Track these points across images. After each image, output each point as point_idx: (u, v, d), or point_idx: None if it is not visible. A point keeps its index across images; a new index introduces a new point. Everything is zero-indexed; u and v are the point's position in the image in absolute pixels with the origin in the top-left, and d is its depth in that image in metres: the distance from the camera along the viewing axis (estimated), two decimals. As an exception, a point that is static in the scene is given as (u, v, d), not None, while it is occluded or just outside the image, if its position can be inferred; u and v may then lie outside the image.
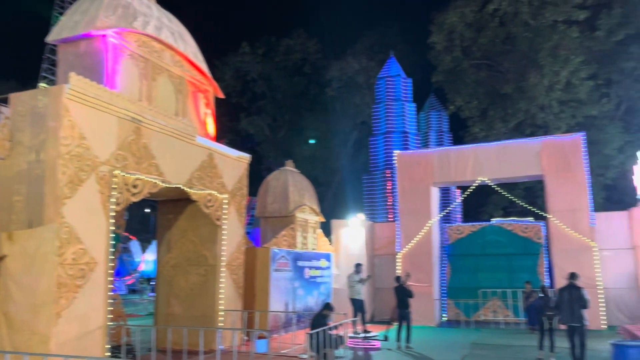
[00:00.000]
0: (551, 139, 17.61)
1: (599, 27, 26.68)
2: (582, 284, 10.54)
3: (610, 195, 27.03)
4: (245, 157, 13.32)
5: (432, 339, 14.41)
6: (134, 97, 10.07)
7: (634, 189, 19.26)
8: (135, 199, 9.72)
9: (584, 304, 9.83)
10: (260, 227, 17.22)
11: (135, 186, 9.66)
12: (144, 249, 37.36)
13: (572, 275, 10.30)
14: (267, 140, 37.62)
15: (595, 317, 15.01)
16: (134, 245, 37.17)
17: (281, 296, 14.63)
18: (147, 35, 10.58)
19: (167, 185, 10.48)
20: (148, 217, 43.92)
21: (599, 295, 15.58)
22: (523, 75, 26.67)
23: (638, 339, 9.06)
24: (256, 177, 23.10)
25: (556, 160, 16.85)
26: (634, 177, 19.34)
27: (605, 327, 15.29)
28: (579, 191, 16.46)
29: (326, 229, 19.19)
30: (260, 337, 11.82)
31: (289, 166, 17.41)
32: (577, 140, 16.91)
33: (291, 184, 16.64)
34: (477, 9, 28.24)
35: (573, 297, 9.94)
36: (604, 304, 15.70)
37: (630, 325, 12.06)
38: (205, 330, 10.24)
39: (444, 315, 18.35)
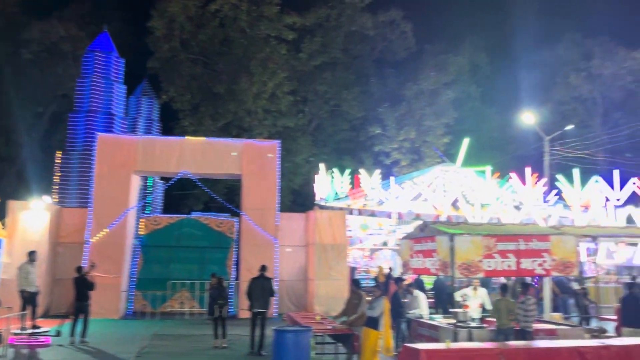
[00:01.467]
0: (252, 142, 19.12)
1: (303, 49, 30.28)
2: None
3: (296, 199, 30.76)
4: None
5: (113, 332, 13.85)
6: None
7: (314, 195, 22.37)
8: None
9: (272, 293, 11.45)
10: None
11: None
12: None
13: (263, 268, 11.69)
14: None
15: (270, 305, 16.71)
16: None
17: None
18: None
19: None
20: None
21: (276, 286, 17.43)
22: (235, 79, 28.18)
23: (297, 324, 10.36)
24: None
25: (254, 162, 18.29)
26: (315, 185, 22.49)
27: (276, 314, 17.16)
28: (270, 192, 18.19)
29: (2, 211, 16.60)
30: None
31: (-44, 131, 14.40)
32: (274, 146, 18.69)
33: (-44, 153, 13.77)
34: (200, 5, 28.64)
35: (264, 287, 11.37)
36: (277, 294, 17.62)
37: (294, 313, 13.74)
38: None
39: (130, 307, 17.80)
